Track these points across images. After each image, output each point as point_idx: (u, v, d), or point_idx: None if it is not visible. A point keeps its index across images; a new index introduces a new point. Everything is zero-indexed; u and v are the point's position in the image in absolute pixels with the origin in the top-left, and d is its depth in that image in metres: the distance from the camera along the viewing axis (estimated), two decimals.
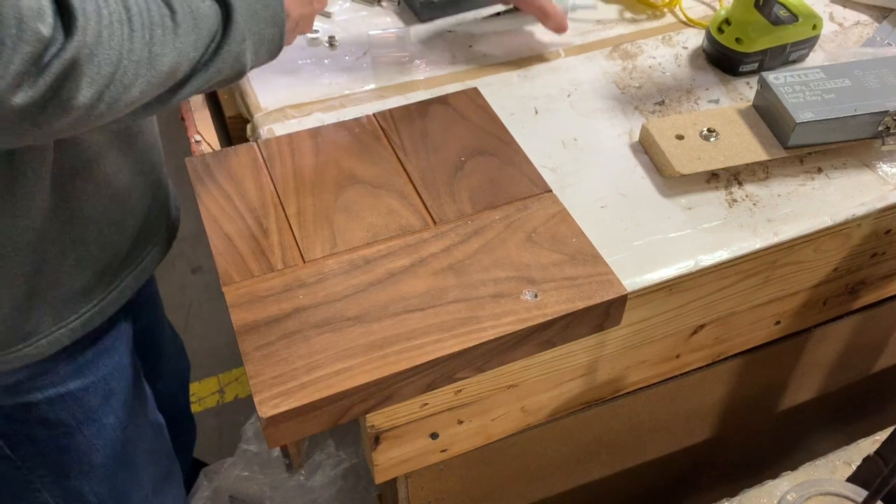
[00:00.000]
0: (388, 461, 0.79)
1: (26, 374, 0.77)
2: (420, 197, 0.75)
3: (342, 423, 0.64)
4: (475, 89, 0.88)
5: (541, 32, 1.02)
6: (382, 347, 0.63)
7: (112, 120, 0.58)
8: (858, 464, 0.77)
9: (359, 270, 0.69)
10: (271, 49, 0.69)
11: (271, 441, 0.61)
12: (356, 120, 0.84)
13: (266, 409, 0.59)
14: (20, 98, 0.51)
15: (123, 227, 0.79)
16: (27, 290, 0.72)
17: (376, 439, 0.76)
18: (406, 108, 0.85)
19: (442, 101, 0.86)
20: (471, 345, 0.63)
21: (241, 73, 0.66)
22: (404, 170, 0.78)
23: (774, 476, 0.80)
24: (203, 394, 1.76)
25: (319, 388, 0.60)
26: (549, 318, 0.65)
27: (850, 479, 0.76)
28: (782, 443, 1.23)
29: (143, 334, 0.97)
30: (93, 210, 0.74)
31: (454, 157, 0.79)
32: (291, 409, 0.59)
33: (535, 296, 0.66)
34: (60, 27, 0.51)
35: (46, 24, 0.50)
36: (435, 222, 0.73)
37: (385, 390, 0.63)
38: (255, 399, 0.59)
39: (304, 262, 0.70)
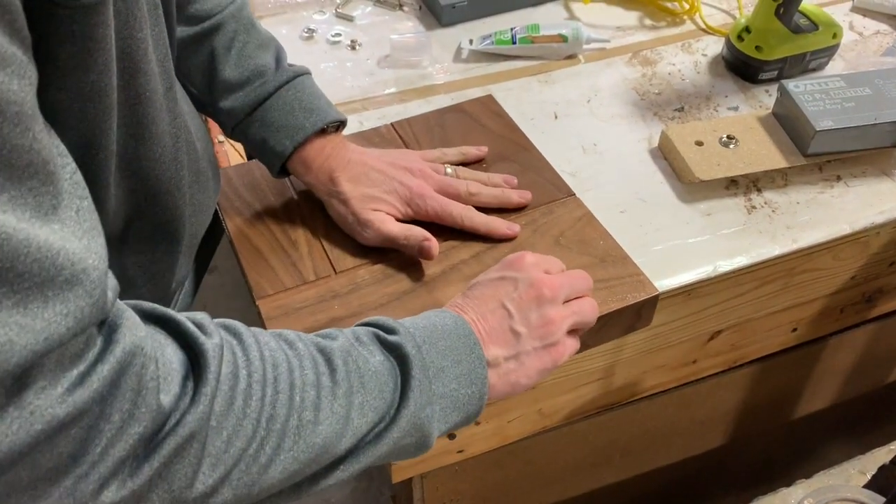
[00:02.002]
0: (406, 461, 0.80)
1: None
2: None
3: None
4: (490, 96, 0.89)
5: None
6: None
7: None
8: (874, 473, 0.77)
9: (391, 279, 0.69)
10: (468, 411, 0.53)
11: None
12: (375, 130, 0.85)
13: None
14: (112, 494, 0.37)
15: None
16: None
17: None
18: (424, 118, 0.86)
19: (457, 109, 0.87)
20: None
21: (421, 449, 0.51)
22: None
23: (788, 484, 0.80)
24: None
25: None
26: None
27: (866, 488, 0.76)
28: (796, 451, 1.23)
29: None
30: None
31: (475, 164, 0.80)
32: None
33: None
34: (189, 392, 0.40)
35: (170, 393, 0.39)
36: None
37: None
38: None
39: (336, 272, 0.70)
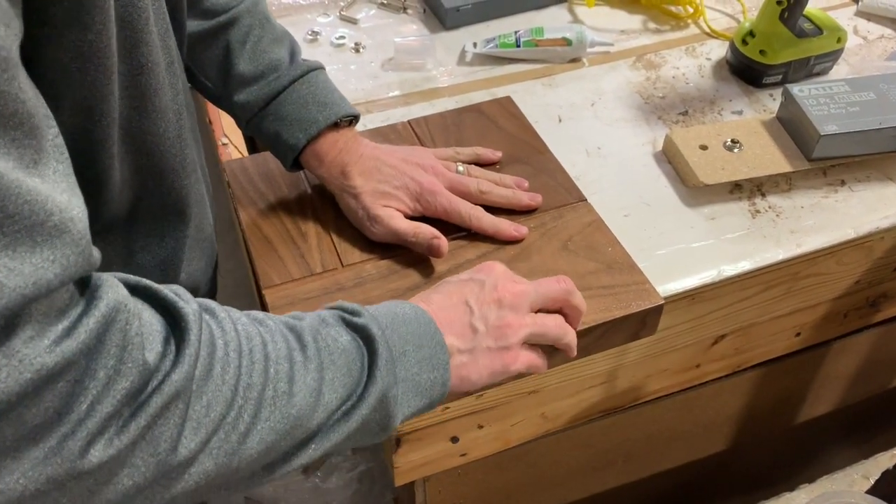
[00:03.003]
0: (409, 464, 0.80)
1: None
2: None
3: None
4: (508, 98, 0.89)
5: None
6: None
7: (214, 488, 0.44)
8: (877, 478, 0.77)
9: (396, 275, 0.70)
10: (431, 396, 0.53)
11: None
12: (391, 126, 0.85)
13: None
14: (100, 453, 0.37)
15: None
16: None
17: (398, 441, 0.76)
18: (441, 116, 0.86)
19: (475, 109, 0.87)
20: None
21: (384, 429, 0.52)
22: None
23: (791, 489, 0.80)
24: None
25: None
26: (587, 326, 0.66)
27: (869, 493, 0.76)
28: (799, 455, 1.23)
29: None
30: None
31: (488, 164, 0.80)
32: None
33: None
34: (172, 353, 0.41)
35: (153, 351, 0.40)
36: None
37: None
38: None
39: (343, 265, 0.70)
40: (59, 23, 0.43)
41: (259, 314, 0.49)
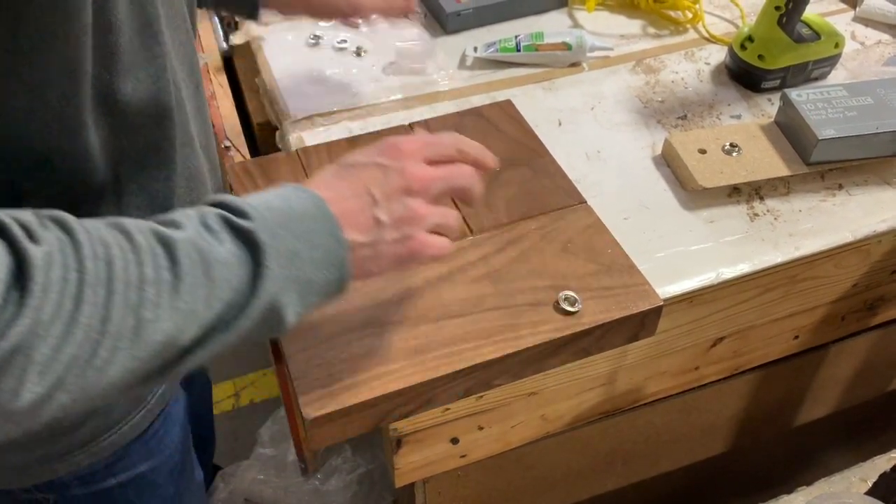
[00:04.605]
0: (409, 465, 0.80)
1: (104, 463, 0.72)
2: (456, 206, 0.76)
3: (381, 426, 0.64)
4: (509, 101, 0.89)
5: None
6: (423, 352, 0.64)
7: (79, 411, 0.44)
8: (874, 480, 0.77)
9: (397, 277, 0.70)
10: (328, 294, 0.52)
11: (314, 442, 0.62)
12: (393, 130, 0.85)
13: (311, 411, 0.60)
14: None
15: None
16: None
17: (398, 443, 0.77)
18: (442, 119, 0.87)
19: (476, 112, 0.88)
20: (509, 352, 0.65)
21: (277, 331, 0.51)
22: None
23: (789, 491, 0.81)
24: (218, 397, 1.78)
25: (362, 392, 0.61)
26: (586, 327, 0.66)
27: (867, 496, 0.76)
28: (797, 458, 1.23)
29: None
30: None
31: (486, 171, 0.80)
32: (335, 411, 0.60)
33: (572, 305, 0.68)
34: (13, 301, 0.39)
35: None
36: (472, 231, 0.74)
37: (425, 395, 0.64)
38: (300, 400, 0.61)
39: None
40: None
41: (129, 225, 0.46)
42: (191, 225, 0.48)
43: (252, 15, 0.78)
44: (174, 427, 0.79)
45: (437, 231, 0.58)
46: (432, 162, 0.58)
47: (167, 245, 0.45)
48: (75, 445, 0.67)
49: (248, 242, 0.48)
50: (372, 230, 0.54)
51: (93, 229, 0.44)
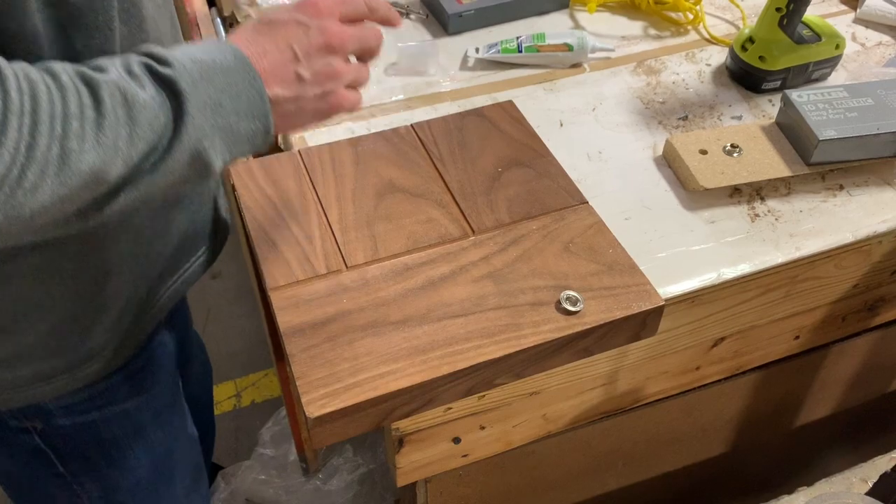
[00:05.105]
0: (411, 464, 0.81)
1: (87, 394, 0.75)
2: (458, 206, 0.77)
3: (384, 426, 0.65)
4: (510, 102, 0.90)
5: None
6: (425, 352, 0.65)
7: (19, 234, 0.49)
8: (875, 481, 0.77)
9: (400, 276, 0.70)
10: (253, 143, 0.56)
11: (316, 441, 0.62)
12: (394, 130, 0.86)
13: (314, 409, 0.60)
14: None
15: (168, 237, 0.74)
16: (87, 309, 0.69)
17: (400, 442, 0.77)
18: (443, 120, 0.87)
19: (478, 113, 0.88)
20: (511, 351, 0.65)
21: (205, 175, 0.54)
22: (442, 179, 0.80)
23: (790, 492, 0.81)
24: (220, 398, 1.78)
25: (365, 390, 0.62)
26: (588, 326, 0.67)
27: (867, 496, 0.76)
28: (798, 459, 1.24)
29: (175, 340, 0.96)
30: (134, 238, 0.70)
31: (491, 167, 0.81)
32: (338, 410, 0.61)
33: (574, 305, 0.68)
34: None
35: None
36: (473, 231, 0.75)
37: (427, 394, 0.64)
38: (303, 399, 0.61)
39: (347, 267, 0.71)
40: None
41: (56, 67, 0.49)
42: (115, 69, 0.51)
43: None
44: (160, 371, 0.82)
45: (351, 86, 0.61)
46: (347, 19, 0.60)
47: (91, 85, 0.49)
48: (59, 370, 0.70)
49: (170, 90, 0.51)
50: (294, 85, 0.57)
51: (19, 69, 0.47)
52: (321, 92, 0.58)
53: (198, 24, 1.07)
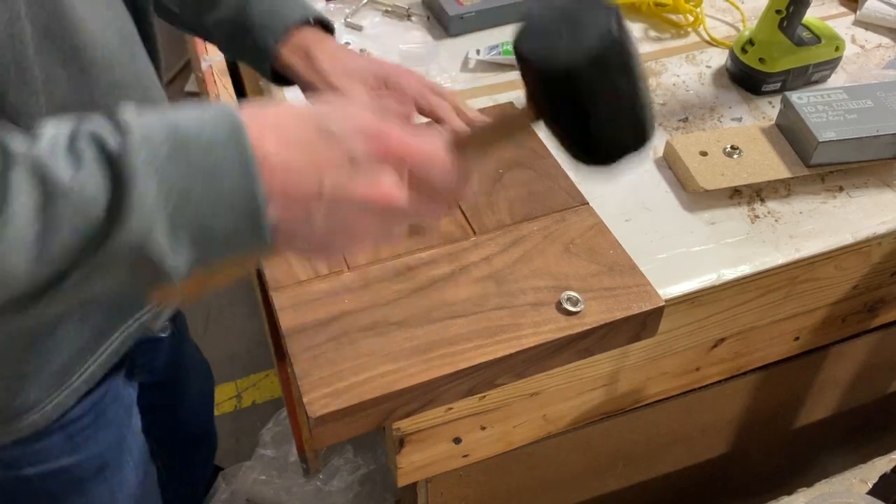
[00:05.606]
0: (411, 465, 0.81)
1: (21, 451, 0.69)
2: (460, 207, 0.77)
3: (385, 426, 0.65)
4: (511, 104, 0.90)
5: None
6: (426, 352, 0.65)
7: None
8: (875, 482, 0.78)
9: (402, 277, 0.71)
10: (237, 246, 0.43)
11: (318, 440, 0.62)
12: None
13: (315, 409, 0.61)
14: None
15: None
16: (16, 369, 0.63)
17: (401, 442, 0.77)
18: None
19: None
20: (512, 351, 0.65)
21: (157, 279, 0.42)
22: None
23: (789, 493, 0.81)
24: (220, 399, 1.78)
25: (366, 390, 0.62)
26: (589, 327, 0.67)
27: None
28: (797, 460, 1.24)
29: (166, 365, 0.92)
30: None
31: (492, 169, 0.81)
32: (340, 410, 0.61)
33: (575, 305, 0.68)
34: None
35: None
36: (475, 232, 0.75)
37: (429, 394, 0.65)
38: (305, 399, 0.61)
39: (349, 268, 0.72)
40: None
41: None
42: (49, 139, 0.40)
43: (270, 78, 0.75)
44: (108, 426, 0.75)
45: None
46: (412, 178, 0.47)
47: (5, 160, 0.38)
48: None
49: (112, 169, 0.39)
50: (298, 223, 0.44)
51: None
52: (325, 244, 0.47)
53: None
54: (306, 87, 0.72)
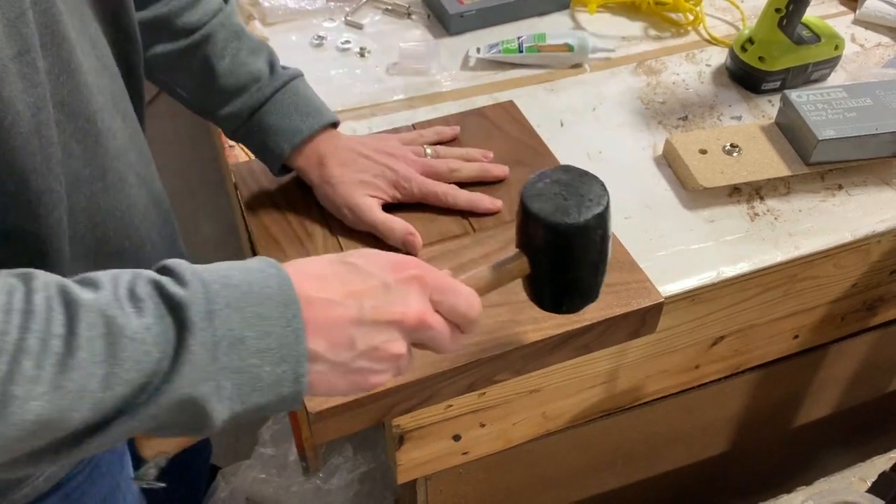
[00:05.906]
0: (411, 462, 0.81)
1: None
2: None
3: (384, 422, 0.65)
4: (511, 102, 0.90)
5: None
6: None
7: None
8: (874, 480, 0.78)
9: None
10: (278, 394, 0.45)
11: (318, 436, 0.62)
12: (395, 130, 0.86)
13: (314, 405, 0.61)
14: None
15: None
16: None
17: (400, 439, 0.77)
18: (444, 119, 0.88)
19: (479, 113, 0.88)
20: (512, 347, 0.65)
21: (200, 426, 0.43)
22: None
23: (789, 491, 0.81)
24: None
25: None
26: (588, 323, 0.67)
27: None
28: (796, 459, 1.24)
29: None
30: None
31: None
32: (339, 406, 0.61)
33: None
34: None
35: None
36: (474, 229, 0.75)
37: (428, 389, 0.64)
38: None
39: None
40: None
41: (36, 279, 0.40)
42: (109, 287, 0.42)
43: (276, 174, 0.77)
44: (104, 478, 0.71)
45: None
46: (436, 305, 0.51)
47: (70, 308, 0.40)
48: None
49: (176, 317, 0.41)
50: (341, 350, 0.47)
51: None
52: (367, 367, 0.48)
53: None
54: (317, 189, 0.76)
